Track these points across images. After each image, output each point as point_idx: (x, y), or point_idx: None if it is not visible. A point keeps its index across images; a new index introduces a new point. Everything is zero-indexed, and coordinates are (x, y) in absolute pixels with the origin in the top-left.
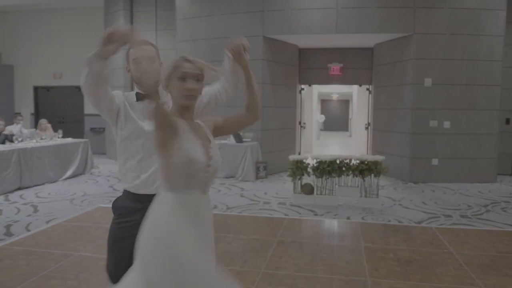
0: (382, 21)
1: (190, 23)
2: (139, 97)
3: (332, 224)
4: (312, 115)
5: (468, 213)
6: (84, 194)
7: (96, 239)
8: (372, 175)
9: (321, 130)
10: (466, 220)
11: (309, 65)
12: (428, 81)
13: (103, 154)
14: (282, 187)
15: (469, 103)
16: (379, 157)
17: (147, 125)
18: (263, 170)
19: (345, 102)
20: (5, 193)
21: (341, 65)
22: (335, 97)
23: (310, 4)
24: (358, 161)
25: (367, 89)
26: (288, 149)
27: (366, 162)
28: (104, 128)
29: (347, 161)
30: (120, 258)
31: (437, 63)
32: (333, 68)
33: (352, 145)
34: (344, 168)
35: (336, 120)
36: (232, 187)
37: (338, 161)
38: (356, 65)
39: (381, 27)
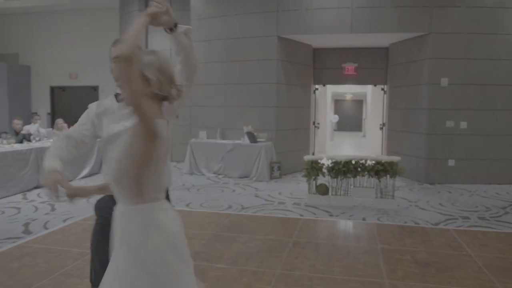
0: (397, 21)
1: (205, 23)
2: (118, 98)
3: (347, 225)
4: (326, 115)
5: (486, 215)
6: None
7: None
8: (388, 176)
9: (335, 130)
10: (484, 222)
11: (324, 65)
12: (444, 81)
13: None
14: (297, 187)
15: (487, 103)
16: (395, 158)
17: (122, 126)
18: (277, 170)
19: (359, 102)
20: (23, 192)
21: (356, 65)
22: (348, 97)
23: (325, 3)
24: (373, 162)
25: (382, 89)
26: (302, 149)
27: (382, 163)
28: None
29: (363, 161)
30: (107, 260)
31: (454, 62)
32: (347, 68)
33: (366, 145)
34: (359, 169)
35: (350, 120)
36: (246, 187)
37: (353, 162)
38: (371, 65)
39: (396, 26)
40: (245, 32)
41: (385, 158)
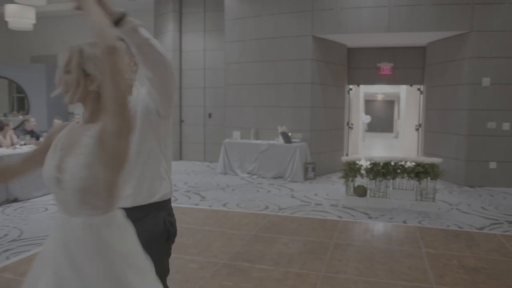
0: (437, 19)
1: (239, 23)
2: None
3: (388, 227)
4: (359, 115)
5: None
6: None
7: None
8: (429, 178)
9: (365, 131)
10: None
11: (358, 65)
12: (486, 81)
13: None
14: (332, 188)
15: None
16: (436, 160)
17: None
18: (312, 171)
19: (390, 103)
20: None
21: (391, 64)
22: (379, 97)
23: (361, 2)
24: (413, 163)
25: (418, 89)
26: (336, 150)
27: (423, 165)
28: None
29: (402, 163)
30: None
31: (496, 61)
32: (383, 68)
33: (399, 146)
34: (399, 170)
35: (380, 120)
36: (281, 187)
37: (392, 163)
38: (407, 64)
39: (435, 25)
40: (279, 32)
41: (426, 159)
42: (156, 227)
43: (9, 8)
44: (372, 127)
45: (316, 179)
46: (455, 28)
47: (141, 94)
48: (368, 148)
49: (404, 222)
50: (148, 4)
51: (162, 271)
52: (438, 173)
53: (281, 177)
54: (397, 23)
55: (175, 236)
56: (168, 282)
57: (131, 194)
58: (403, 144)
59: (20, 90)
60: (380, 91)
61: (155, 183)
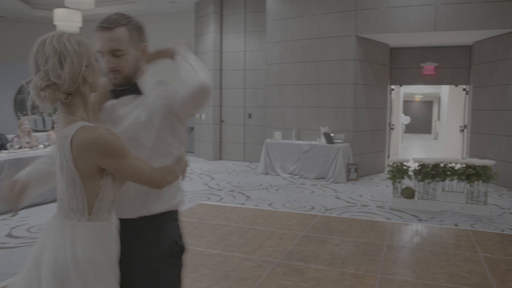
0: (486, 17)
1: (281, 24)
2: (118, 94)
3: (440, 230)
4: (399, 116)
5: None
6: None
7: (205, 234)
8: (480, 180)
9: (403, 132)
10: None
11: (400, 64)
12: None
13: (191, 152)
14: (376, 189)
15: None
16: (488, 162)
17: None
18: (354, 172)
19: (428, 103)
20: None
21: (436, 64)
22: (417, 98)
23: (407, 1)
24: (464, 165)
25: (464, 89)
26: (378, 151)
27: (474, 167)
28: (192, 128)
29: (452, 165)
30: None
31: None
32: (426, 68)
33: (440, 148)
34: (449, 172)
35: (418, 122)
36: (325, 188)
37: (442, 165)
38: (452, 64)
39: (484, 23)
40: (322, 32)
41: (478, 161)
42: (165, 241)
43: (58, 12)
44: (409, 128)
45: (359, 180)
46: (505, 26)
47: (161, 94)
48: (407, 150)
49: (456, 225)
50: (189, 6)
51: None
52: (490, 176)
53: (323, 178)
54: (444, 22)
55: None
56: (224, 280)
57: (137, 202)
58: (443, 146)
59: None
60: (418, 91)
61: (170, 191)
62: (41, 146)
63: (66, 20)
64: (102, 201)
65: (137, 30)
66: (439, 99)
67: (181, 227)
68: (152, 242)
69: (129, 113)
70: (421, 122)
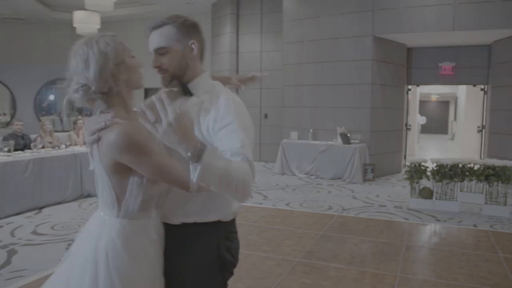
0: (506, 16)
1: (297, 24)
2: (188, 92)
3: (459, 231)
4: (415, 116)
5: None
6: None
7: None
8: (500, 181)
9: (419, 132)
10: None
11: (418, 64)
12: None
13: None
14: (393, 190)
15: None
16: (508, 162)
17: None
18: (371, 172)
19: (444, 103)
20: None
21: (453, 64)
22: (433, 98)
23: (424, 1)
24: (483, 166)
25: (482, 89)
26: (394, 152)
27: (494, 167)
28: None
29: (471, 165)
30: None
31: None
32: (444, 68)
33: (457, 148)
34: (467, 173)
35: (434, 122)
36: (341, 188)
37: (460, 165)
38: (470, 64)
39: (505, 22)
40: (339, 33)
41: (497, 162)
42: (208, 252)
43: (77, 14)
44: (425, 129)
45: (375, 180)
46: None
47: (212, 113)
48: (423, 150)
49: (475, 226)
50: (206, 7)
51: None
52: (510, 176)
53: (339, 178)
54: (463, 21)
55: (233, 266)
56: (246, 278)
57: (182, 208)
58: (460, 146)
59: None
60: (434, 91)
61: (223, 199)
62: (63, 146)
63: (86, 22)
64: (130, 199)
65: (185, 27)
66: (455, 99)
67: (233, 238)
68: (194, 251)
69: None
70: (437, 123)
